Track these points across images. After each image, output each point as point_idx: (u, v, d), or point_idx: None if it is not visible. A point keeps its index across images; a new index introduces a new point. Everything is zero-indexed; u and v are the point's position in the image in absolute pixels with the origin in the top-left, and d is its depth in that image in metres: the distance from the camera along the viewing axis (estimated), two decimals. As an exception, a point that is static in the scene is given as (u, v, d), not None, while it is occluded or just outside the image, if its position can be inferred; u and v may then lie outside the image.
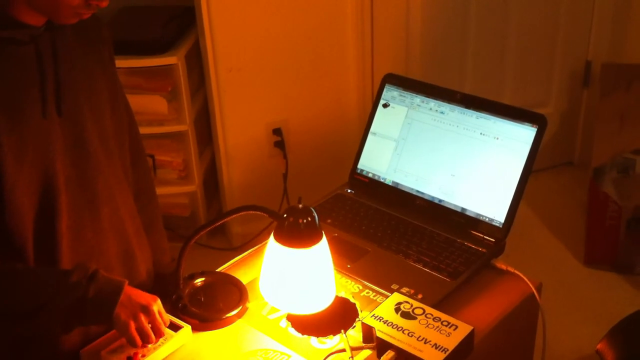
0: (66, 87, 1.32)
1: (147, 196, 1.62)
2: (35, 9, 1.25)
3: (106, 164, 1.42)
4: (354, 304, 1.46)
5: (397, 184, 1.74)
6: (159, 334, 1.35)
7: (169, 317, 1.40)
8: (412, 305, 1.37)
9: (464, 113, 1.66)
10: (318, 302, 1.37)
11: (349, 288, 1.51)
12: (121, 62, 2.56)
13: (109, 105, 1.45)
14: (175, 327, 1.39)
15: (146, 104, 2.69)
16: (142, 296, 1.35)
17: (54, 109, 1.31)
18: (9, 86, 1.25)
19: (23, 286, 1.30)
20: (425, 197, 1.69)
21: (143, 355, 1.33)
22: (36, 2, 1.24)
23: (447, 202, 1.66)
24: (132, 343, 1.32)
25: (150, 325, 1.34)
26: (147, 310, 1.33)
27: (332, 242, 1.38)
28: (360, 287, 1.51)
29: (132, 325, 1.31)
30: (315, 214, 1.31)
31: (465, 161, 1.64)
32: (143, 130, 2.65)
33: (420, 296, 1.44)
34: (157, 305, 1.36)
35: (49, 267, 1.34)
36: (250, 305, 1.48)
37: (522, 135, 1.57)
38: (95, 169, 1.40)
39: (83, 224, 1.38)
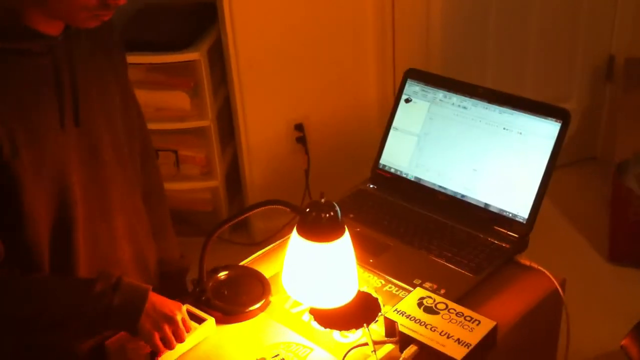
0: (83, 97, 1.31)
1: (156, 197, 1.62)
2: (51, 16, 1.23)
3: (119, 172, 1.42)
4: (377, 299, 1.46)
5: (419, 179, 1.74)
6: (180, 341, 1.36)
7: (192, 312, 1.41)
8: (434, 300, 1.37)
9: (486, 108, 1.65)
10: (340, 296, 1.37)
11: (372, 283, 1.51)
12: (143, 59, 2.62)
13: (121, 110, 1.44)
14: (199, 320, 1.40)
15: (168, 100, 2.71)
16: (166, 305, 1.35)
17: (71, 119, 1.30)
18: (26, 98, 1.23)
19: (47, 297, 1.30)
20: (448, 193, 1.69)
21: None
22: (52, 9, 1.21)
23: (470, 198, 1.65)
24: (155, 350, 1.33)
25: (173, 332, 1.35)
26: (171, 320, 1.34)
27: (355, 237, 1.38)
28: (383, 282, 1.51)
29: (157, 335, 1.32)
30: (337, 209, 1.32)
31: (488, 156, 1.64)
32: (165, 126, 2.71)
33: (443, 291, 1.44)
34: (181, 314, 1.37)
35: (71, 277, 1.35)
36: (273, 299, 1.48)
37: (546, 130, 1.56)
38: (110, 178, 1.39)
39: (98, 234, 1.38)
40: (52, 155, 1.27)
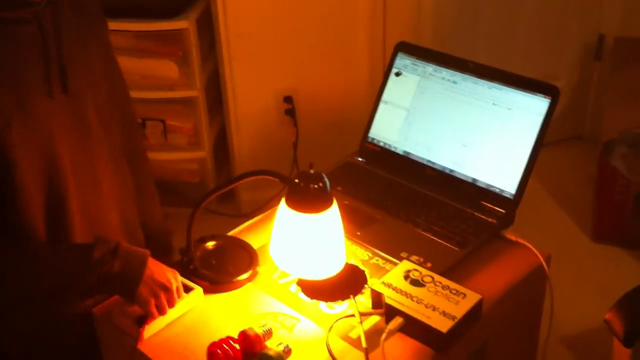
0: (69, 64, 1.30)
1: (137, 159, 1.61)
2: None
3: (104, 137, 1.42)
4: (364, 271, 1.47)
5: (408, 153, 1.74)
6: (171, 306, 1.37)
7: (182, 282, 1.41)
8: (421, 273, 1.38)
9: (476, 83, 1.65)
10: (328, 268, 1.38)
11: (359, 255, 1.52)
12: (131, 26, 2.59)
13: (103, 75, 1.43)
14: (186, 289, 1.40)
15: (156, 68, 2.69)
16: (163, 273, 1.36)
17: (59, 87, 1.29)
18: (14, 66, 1.23)
19: (46, 266, 1.31)
20: (436, 167, 1.69)
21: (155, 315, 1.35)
22: None
23: (458, 172, 1.66)
24: (149, 316, 1.34)
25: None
26: (167, 288, 1.35)
27: (343, 210, 1.39)
28: (370, 255, 1.52)
29: (153, 302, 1.33)
30: (326, 180, 1.32)
31: (477, 131, 1.64)
32: (153, 94, 2.69)
33: (429, 264, 1.45)
34: (177, 282, 1.38)
35: (67, 243, 1.35)
36: (260, 269, 1.49)
37: (535, 106, 1.57)
38: (95, 144, 1.39)
39: (90, 201, 1.39)
40: (41, 124, 1.26)
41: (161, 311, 1.34)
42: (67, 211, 1.34)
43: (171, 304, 1.36)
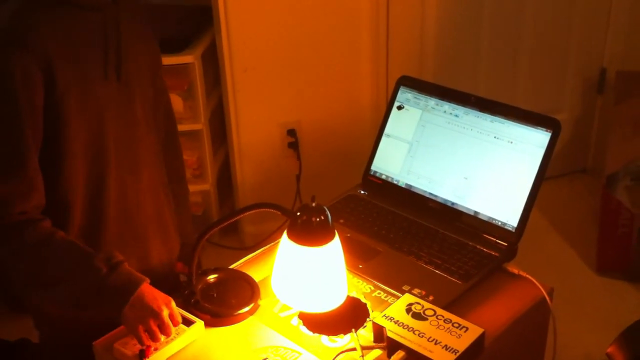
0: (125, 55, 1.43)
1: (177, 176, 1.73)
2: None
3: (147, 132, 1.54)
4: (365, 304, 1.47)
5: (410, 186, 1.75)
6: (166, 335, 1.36)
7: (181, 314, 1.41)
8: (423, 307, 1.38)
9: (478, 116, 1.66)
10: (330, 301, 1.37)
11: (361, 288, 1.52)
12: (138, 60, 2.61)
13: (151, 81, 1.56)
14: (187, 322, 1.40)
15: (162, 102, 2.71)
16: (155, 300, 1.36)
17: (113, 73, 1.42)
18: (76, 44, 1.36)
19: (54, 257, 1.36)
20: (438, 200, 1.70)
21: (155, 349, 1.34)
22: None
23: (460, 205, 1.66)
24: (139, 342, 1.34)
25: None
26: (156, 315, 1.35)
27: (345, 242, 1.39)
28: (372, 288, 1.52)
29: (140, 328, 1.34)
30: (328, 213, 1.32)
31: (479, 165, 1.65)
32: (158, 127, 2.70)
33: (431, 298, 1.45)
34: (169, 309, 1.37)
35: (81, 245, 1.39)
36: (262, 302, 1.49)
37: (536, 140, 1.58)
38: (140, 136, 1.51)
39: (126, 183, 1.49)
40: (94, 101, 1.40)
41: (153, 338, 1.34)
42: (105, 189, 1.45)
43: (165, 333, 1.36)
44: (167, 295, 1.39)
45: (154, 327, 1.34)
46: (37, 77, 1.30)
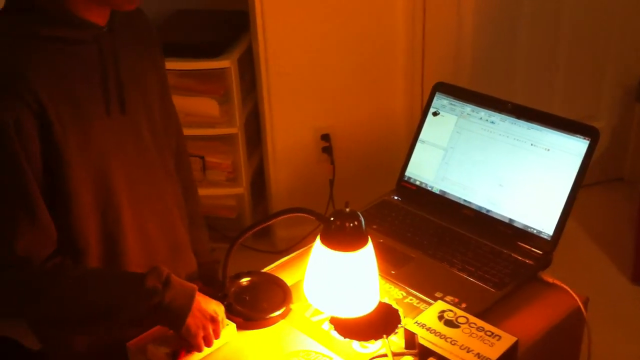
0: (127, 85, 1.37)
1: (189, 192, 1.68)
2: (93, 0, 1.28)
3: (158, 159, 1.49)
4: (397, 310, 1.46)
5: (445, 192, 1.74)
6: (217, 337, 1.38)
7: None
8: (455, 314, 1.37)
9: (514, 123, 1.65)
10: (362, 306, 1.37)
11: (393, 294, 1.51)
12: (175, 65, 2.64)
13: (158, 103, 1.50)
14: (220, 325, 1.41)
15: (198, 106, 2.73)
16: (210, 305, 1.38)
17: (117, 107, 1.36)
18: (74, 84, 1.29)
19: (98, 288, 1.34)
20: (473, 207, 1.69)
21: (188, 351, 1.35)
22: None
23: (495, 213, 1.65)
24: (197, 349, 1.35)
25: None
26: (214, 320, 1.37)
27: (378, 248, 1.39)
28: (404, 294, 1.51)
29: (201, 334, 1.35)
30: (361, 218, 1.32)
31: (514, 172, 1.63)
32: (194, 132, 2.74)
33: (464, 305, 1.44)
34: (222, 314, 1.40)
35: (120, 270, 1.39)
36: (294, 306, 1.49)
37: (574, 148, 1.56)
38: (150, 164, 1.46)
39: (144, 217, 1.44)
40: (97, 138, 1.33)
41: (207, 343, 1.36)
42: (120, 221, 1.39)
43: (217, 336, 1.38)
44: (216, 300, 1.41)
45: (211, 334, 1.36)
46: (30, 124, 1.23)
